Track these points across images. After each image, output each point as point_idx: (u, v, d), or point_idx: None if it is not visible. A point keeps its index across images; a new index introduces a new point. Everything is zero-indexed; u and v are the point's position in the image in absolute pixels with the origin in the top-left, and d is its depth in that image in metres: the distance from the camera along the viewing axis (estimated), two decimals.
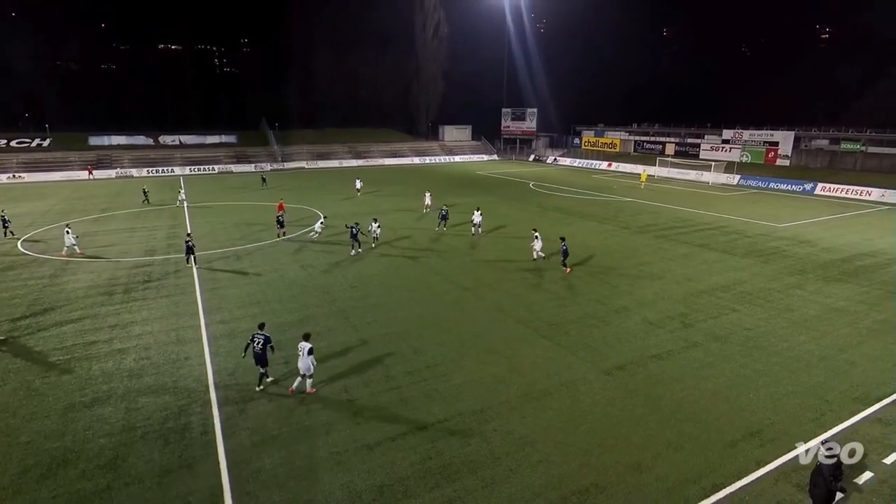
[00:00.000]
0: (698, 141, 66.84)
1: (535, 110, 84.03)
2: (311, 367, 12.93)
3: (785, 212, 38.84)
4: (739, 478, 10.12)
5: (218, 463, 10.54)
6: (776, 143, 59.42)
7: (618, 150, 76.15)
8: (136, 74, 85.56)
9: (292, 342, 15.78)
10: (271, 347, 13.18)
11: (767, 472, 10.29)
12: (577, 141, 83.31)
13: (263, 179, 52.92)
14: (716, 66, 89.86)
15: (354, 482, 10.00)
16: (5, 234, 29.47)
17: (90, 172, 58.86)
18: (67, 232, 26.03)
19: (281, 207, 33.72)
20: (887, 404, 12.71)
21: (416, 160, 79.06)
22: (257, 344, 12.92)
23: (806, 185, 49.76)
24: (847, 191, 46.99)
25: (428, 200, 37.35)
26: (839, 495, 9.05)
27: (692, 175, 58.83)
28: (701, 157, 63.18)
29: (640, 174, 56.82)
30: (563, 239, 23.23)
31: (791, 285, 21.59)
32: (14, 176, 56.93)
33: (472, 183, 55.01)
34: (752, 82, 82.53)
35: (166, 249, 27.26)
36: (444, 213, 31.33)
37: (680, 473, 10.24)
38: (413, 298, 19.94)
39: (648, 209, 39.17)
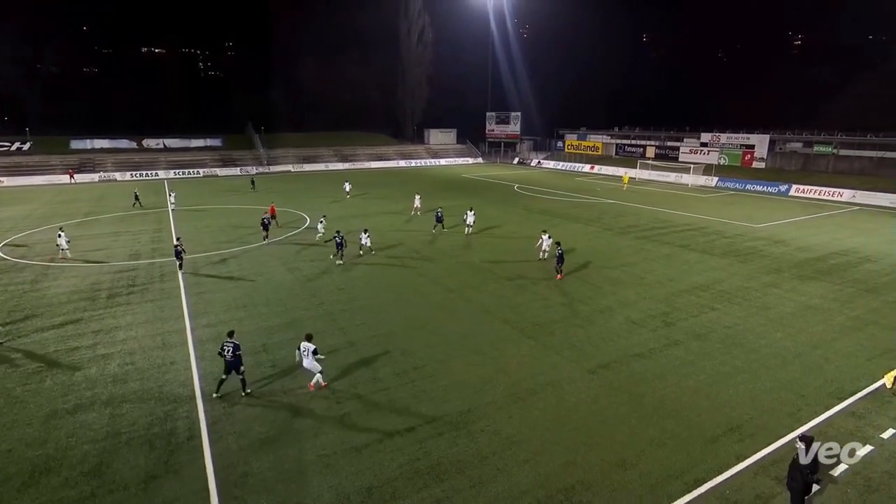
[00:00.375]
0: (678, 144, 68.07)
1: (519, 114, 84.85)
2: (318, 365, 13.13)
3: (761, 213, 39.78)
4: (720, 472, 10.40)
5: (205, 468, 10.50)
6: (752, 146, 60.83)
7: (600, 153, 77.16)
8: (118, 77, 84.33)
9: (279, 345, 15.85)
10: (239, 353, 12.87)
11: (747, 466, 10.59)
12: (560, 144, 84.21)
13: (253, 182, 52.71)
14: (694, 71, 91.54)
15: (343, 484, 10.05)
16: None
17: (72, 176, 57.79)
18: (60, 235, 25.73)
19: (273, 211, 33.70)
20: (860, 398, 13.17)
21: (402, 163, 79.15)
22: (227, 352, 12.74)
23: (781, 187, 51.03)
24: (820, 192, 48.31)
25: (417, 203, 37.51)
26: (815, 487, 9.37)
27: (672, 177, 59.89)
28: (680, 159, 64.34)
29: (622, 177, 57.66)
30: (558, 244, 23.07)
31: (767, 284, 22.17)
32: None
33: (458, 186, 55.27)
34: (729, 87, 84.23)
35: (151, 254, 26.94)
36: (439, 214, 31.68)
37: (663, 469, 10.49)
38: (400, 300, 20.03)
39: (631, 211, 39.80)
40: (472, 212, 30.87)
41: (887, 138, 53.06)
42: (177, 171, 64.20)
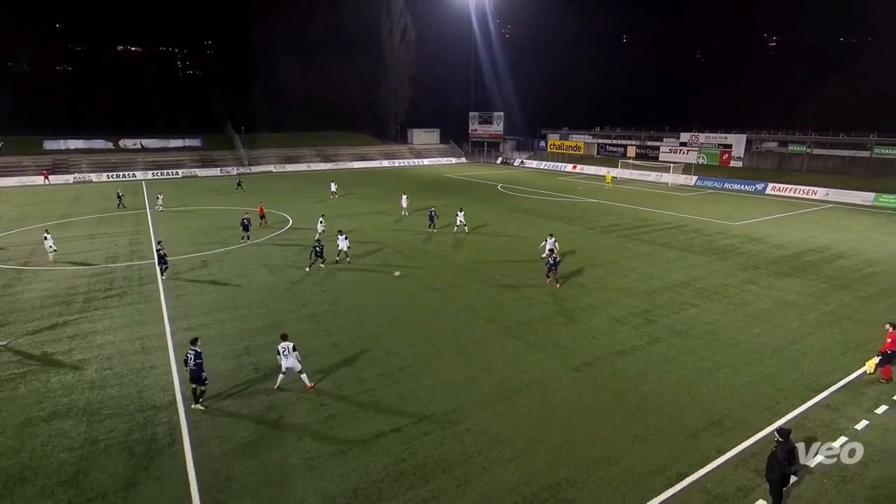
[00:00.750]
0: (658, 144, 69.01)
1: (502, 114, 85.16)
2: (298, 363, 13.01)
3: (739, 211, 40.60)
4: (702, 466, 10.58)
5: (186, 473, 10.33)
6: (730, 146, 61.98)
7: (582, 152, 77.86)
8: (93, 76, 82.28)
9: (262, 348, 15.67)
10: (200, 362, 12.36)
11: (728, 460, 10.79)
12: (542, 144, 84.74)
13: (239, 183, 52.16)
14: (673, 71, 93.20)
15: (328, 487, 9.98)
16: None
17: (46, 177, 56.28)
18: (46, 237, 25.18)
19: (261, 211, 33.43)
20: (835, 391, 13.52)
21: (386, 163, 78.85)
22: (189, 361, 12.27)
23: (758, 185, 52.13)
24: (795, 190, 49.47)
25: (405, 203, 37.45)
26: (793, 478, 9.59)
27: (652, 176, 60.73)
28: (660, 159, 65.24)
29: (605, 176, 58.32)
30: (552, 251, 22.76)
31: (745, 280, 22.64)
32: None
33: (441, 185, 55.28)
34: (707, 87, 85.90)
35: (129, 256, 26.38)
36: (431, 214, 31.86)
37: (646, 465, 10.63)
38: (385, 301, 19.95)
39: (612, 210, 40.27)
40: (463, 212, 31.34)
41: (858, 138, 54.59)
42: (155, 171, 62.97)
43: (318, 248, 23.82)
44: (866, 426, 11.95)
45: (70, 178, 58.58)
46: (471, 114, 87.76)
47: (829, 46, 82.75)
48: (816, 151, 57.05)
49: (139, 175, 61.72)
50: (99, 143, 68.56)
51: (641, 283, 22.21)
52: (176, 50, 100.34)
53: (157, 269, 22.87)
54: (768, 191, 50.95)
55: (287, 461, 10.72)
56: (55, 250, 25.16)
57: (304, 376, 13.24)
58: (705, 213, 39.43)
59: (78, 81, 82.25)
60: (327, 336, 16.70)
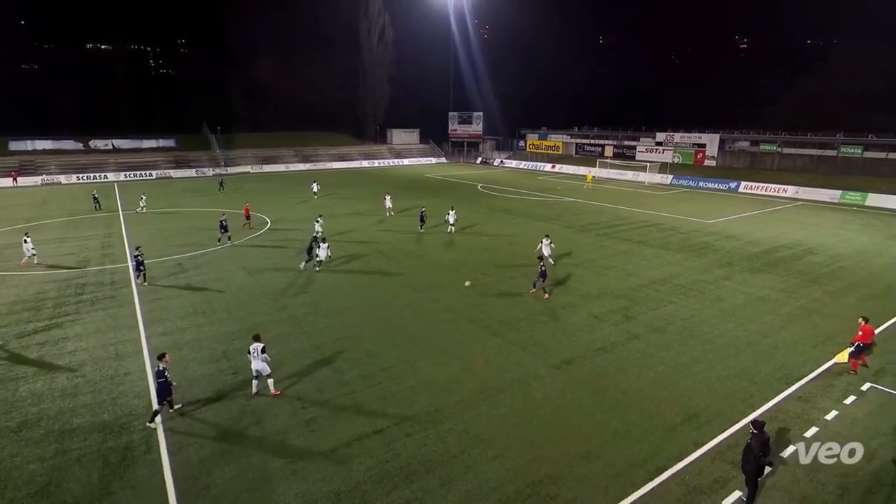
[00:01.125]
0: (634, 143, 70.17)
1: (481, 114, 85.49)
2: (268, 367, 12.80)
3: (713, 209, 41.53)
4: (680, 459, 10.80)
5: (164, 481, 10.11)
6: (704, 145, 63.38)
7: (560, 152, 78.66)
8: (62, 75, 79.58)
9: (241, 352, 15.36)
10: (163, 381, 11.82)
11: (705, 452, 11.04)
12: (521, 144, 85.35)
13: (221, 184, 51.46)
14: (648, 72, 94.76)
15: (310, 490, 9.88)
16: None
17: (14, 179, 54.40)
18: (26, 240, 24.41)
19: (247, 212, 32.95)
20: (806, 383, 13.95)
21: (365, 163, 78.38)
22: (158, 375, 11.80)
23: (731, 184, 53.42)
24: (766, 188, 50.83)
25: (388, 203, 37.33)
26: (767, 469, 9.85)
27: (630, 175, 61.70)
28: (637, 158, 66.36)
29: (586, 175, 59.01)
30: (540, 259, 21.69)
31: (720, 277, 23.17)
32: None
33: (422, 185, 55.20)
34: (682, 88, 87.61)
35: (101, 260, 25.67)
36: (422, 215, 31.98)
37: (626, 459, 10.80)
38: (366, 302, 19.83)
39: (591, 209, 40.77)
40: (454, 211, 31.66)
41: (825, 137, 56.36)
42: (127, 173, 61.40)
43: (312, 247, 23.87)
44: (836, 416, 12.35)
45: (38, 179, 56.73)
46: (450, 114, 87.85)
47: (798, 48, 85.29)
48: (786, 151, 58.75)
49: (111, 176, 60.12)
50: (68, 144, 66.56)
51: (620, 280, 22.54)
52: (148, 48, 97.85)
53: (132, 274, 22.30)
54: (741, 189, 52.23)
55: (268, 466, 10.57)
56: (35, 254, 24.42)
57: (270, 381, 12.99)
58: (681, 211, 40.21)
59: (45, 80, 79.59)
60: (307, 338, 16.53)
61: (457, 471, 10.42)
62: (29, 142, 64.58)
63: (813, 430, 11.79)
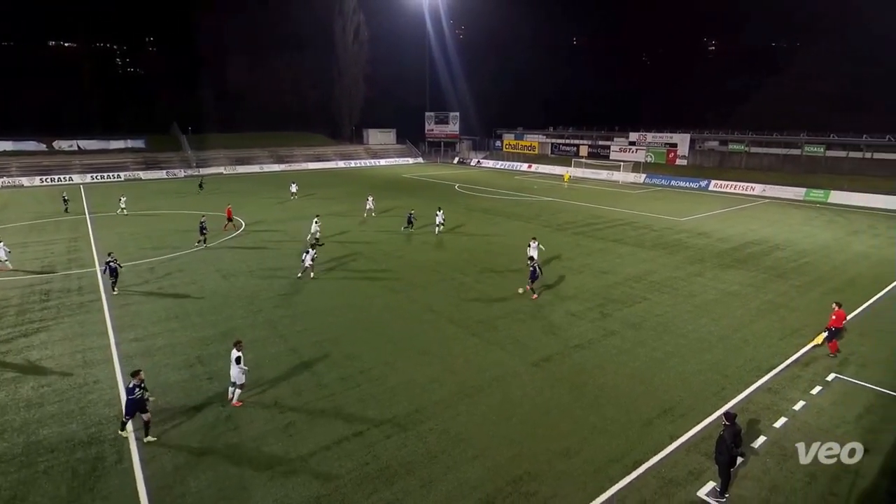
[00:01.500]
0: (609, 143, 71.30)
1: (458, 114, 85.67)
2: (239, 376, 12.47)
3: (685, 207, 42.50)
4: (656, 452, 11.02)
5: (136, 492, 9.83)
6: (675, 145, 64.82)
7: (536, 152, 79.39)
8: (22, 74, 76.51)
9: (216, 357, 15.12)
10: (133, 398, 11.12)
11: (680, 445, 11.29)
12: (498, 144, 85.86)
13: (201, 185, 50.49)
14: (621, 73, 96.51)
15: (289, 496, 9.74)
16: None
17: None
18: None
19: (229, 214, 32.28)
20: (775, 375, 14.40)
21: (342, 164, 77.67)
22: (136, 392, 11.14)
23: (701, 182, 54.78)
24: (735, 187, 52.28)
25: (370, 204, 37.11)
26: (739, 459, 10.14)
27: (604, 175, 62.66)
28: (611, 158, 67.45)
29: (561, 175, 59.70)
30: (531, 259, 21.08)
31: (693, 273, 23.73)
32: None
33: (399, 186, 55.01)
34: (653, 89, 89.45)
35: (67, 265, 24.81)
36: (409, 216, 31.87)
37: (604, 454, 10.97)
38: (344, 304, 19.65)
39: (567, 208, 41.26)
40: (441, 211, 31.77)
41: (790, 137, 58.30)
42: (94, 174, 59.50)
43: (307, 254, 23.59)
44: (803, 407, 12.78)
45: None
46: (427, 114, 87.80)
47: (764, 50, 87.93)
48: (754, 150, 60.54)
49: (77, 178, 58.17)
50: (30, 145, 64.27)
51: (596, 278, 22.87)
52: (115, 47, 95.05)
53: (100, 280, 21.60)
54: (711, 187, 53.59)
55: (245, 472, 10.38)
56: (4, 259, 23.60)
57: (237, 391, 12.62)
58: (654, 209, 41.02)
59: (4, 79, 76.46)
60: (284, 342, 16.29)
61: (437, 471, 10.42)
62: None
63: (782, 421, 12.18)
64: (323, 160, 77.54)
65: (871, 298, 20.52)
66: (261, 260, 25.36)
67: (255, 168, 70.21)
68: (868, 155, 53.43)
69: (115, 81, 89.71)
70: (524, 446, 11.21)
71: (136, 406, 11.19)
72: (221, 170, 67.51)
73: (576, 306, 19.39)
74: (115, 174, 60.67)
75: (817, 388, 13.63)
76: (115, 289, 20.58)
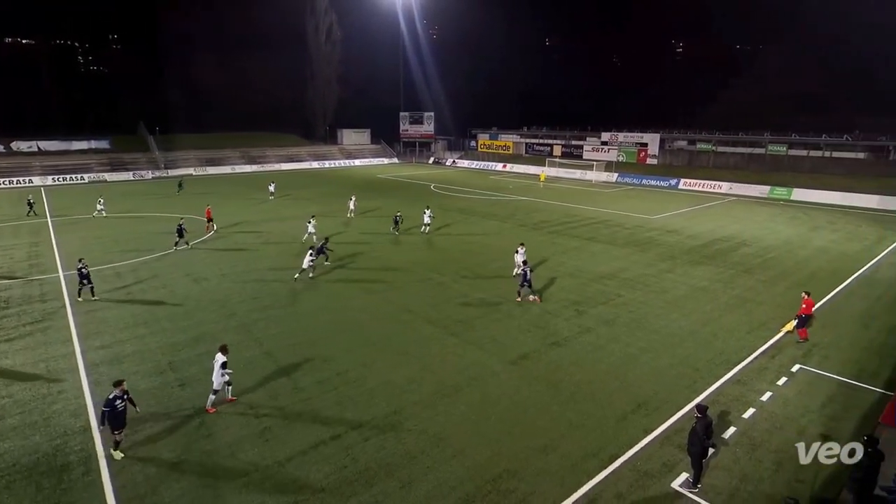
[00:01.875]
0: (581, 143, 72.38)
1: (433, 114, 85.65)
2: (219, 381, 12.24)
3: (656, 205, 43.46)
4: (631, 446, 11.24)
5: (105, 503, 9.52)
6: (646, 144, 66.25)
7: (511, 152, 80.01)
8: None
9: (188, 362, 14.77)
10: (109, 410, 10.58)
11: (654, 438, 11.54)
12: (473, 144, 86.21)
13: (180, 185, 49.17)
14: (593, 74, 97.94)
15: (266, 502, 9.58)
16: None
17: None
18: None
19: (209, 215, 31.55)
20: (743, 367, 14.85)
21: (316, 164, 76.74)
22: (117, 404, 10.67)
23: (671, 181, 56.15)
24: (703, 185, 53.78)
25: (352, 205, 36.79)
26: (711, 450, 10.43)
27: (578, 174, 63.59)
28: (584, 157, 68.52)
29: (536, 175, 60.32)
30: (525, 262, 20.93)
31: (664, 270, 24.29)
32: None
33: (374, 186, 54.67)
34: (624, 89, 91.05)
35: (28, 270, 23.82)
36: (396, 218, 31.69)
37: (581, 450, 11.13)
38: (319, 307, 19.42)
39: (542, 207, 41.71)
40: (430, 211, 31.81)
41: (754, 137, 60.28)
42: (56, 176, 57.31)
43: (320, 248, 23.61)
44: (770, 397, 13.23)
45: None
46: (401, 114, 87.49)
47: (730, 52, 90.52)
48: (720, 149, 62.38)
49: (37, 181, 55.94)
50: None
51: (571, 276, 23.18)
52: (76, 44, 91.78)
53: (64, 286, 20.83)
54: (680, 186, 54.96)
55: (220, 480, 10.15)
56: None
57: (212, 397, 12.41)
58: (626, 207, 41.82)
59: None
60: (259, 345, 16.01)
61: (416, 472, 10.40)
62: None
63: (751, 412, 12.57)
64: (296, 161, 76.48)
65: (831, 292, 21.37)
66: (234, 263, 24.86)
67: (226, 169, 68.78)
68: (827, 154, 55.68)
69: (77, 80, 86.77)
70: (503, 444, 11.28)
71: (118, 419, 10.64)
72: (191, 171, 65.88)
73: (551, 304, 19.61)
74: (79, 176, 58.57)
75: (783, 380, 14.11)
76: (88, 294, 19.64)
